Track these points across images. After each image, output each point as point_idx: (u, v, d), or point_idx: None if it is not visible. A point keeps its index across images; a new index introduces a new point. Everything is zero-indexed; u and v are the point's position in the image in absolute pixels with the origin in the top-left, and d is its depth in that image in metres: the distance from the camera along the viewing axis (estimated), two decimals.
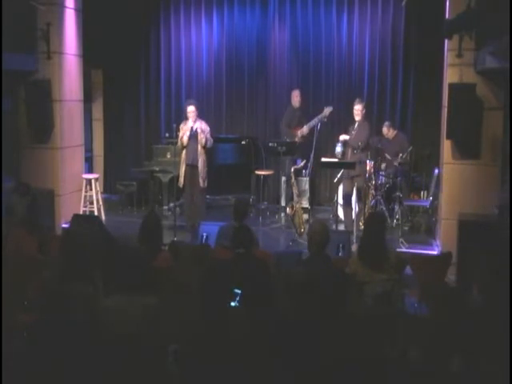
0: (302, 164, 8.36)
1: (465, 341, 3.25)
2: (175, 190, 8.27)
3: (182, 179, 7.87)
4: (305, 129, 9.04)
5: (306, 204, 8.92)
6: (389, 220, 8.28)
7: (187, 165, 7.84)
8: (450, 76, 7.03)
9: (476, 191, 6.97)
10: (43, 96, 8.01)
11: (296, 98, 9.19)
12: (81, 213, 8.61)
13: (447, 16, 7.02)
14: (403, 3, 8.69)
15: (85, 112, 9.46)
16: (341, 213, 8.41)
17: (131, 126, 10.55)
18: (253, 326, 3.33)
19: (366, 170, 8.00)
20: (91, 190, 8.93)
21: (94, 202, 8.91)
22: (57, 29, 8.11)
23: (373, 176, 8.19)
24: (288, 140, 8.93)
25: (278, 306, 3.79)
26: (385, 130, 8.87)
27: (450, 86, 6.86)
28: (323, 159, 8.69)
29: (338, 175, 8.51)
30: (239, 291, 3.75)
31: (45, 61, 8.11)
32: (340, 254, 6.21)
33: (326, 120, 8.91)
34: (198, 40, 10.14)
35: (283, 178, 9.01)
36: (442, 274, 5.26)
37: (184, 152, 7.84)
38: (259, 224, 8.46)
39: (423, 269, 5.23)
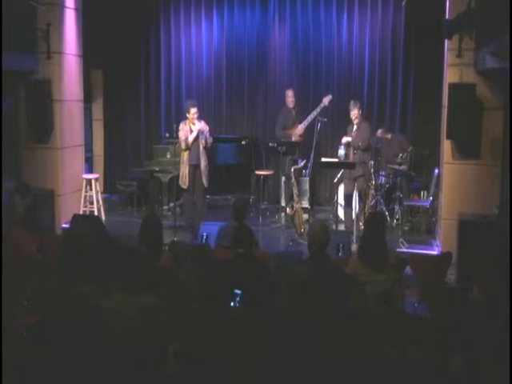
0: (302, 164, 8.36)
1: (465, 341, 3.25)
2: (175, 190, 8.27)
3: (185, 180, 7.84)
4: (302, 126, 9.03)
5: (306, 204, 8.92)
6: (389, 220, 8.29)
7: (190, 165, 7.83)
8: (450, 76, 7.03)
9: (476, 191, 6.98)
10: (43, 96, 8.01)
11: (289, 98, 9.18)
12: (81, 213, 8.61)
13: (447, 16, 7.02)
14: (403, 3, 8.70)
15: (85, 112, 9.47)
16: (341, 213, 8.41)
17: (131, 126, 10.55)
18: (253, 326, 3.33)
19: (367, 170, 7.99)
20: (91, 189, 8.93)
21: (94, 202, 8.91)
22: (57, 29, 8.12)
23: (373, 176, 8.19)
24: (287, 140, 8.95)
25: (278, 306, 3.79)
26: (379, 134, 8.87)
27: (450, 85, 6.86)
28: (323, 159, 8.70)
29: (338, 175, 8.52)
30: (239, 291, 3.74)
31: (45, 61, 8.11)
32: (340, 254, 6.22)
33: (326, 120, 8.90)
34: (198, 40, 10.14)
35: (283, 178, 9.01)
36: (442, 274, 5.26)
37: (187, 152, 7.83)
38: (259, 224, 8.46)
39: (423, 269, 5.23)
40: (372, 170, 8.12)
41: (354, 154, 7.91)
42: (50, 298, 3.53)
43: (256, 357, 3.07)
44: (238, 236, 4.54)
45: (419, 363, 3.13)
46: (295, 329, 3.16)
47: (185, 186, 7.89)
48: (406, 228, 8.31)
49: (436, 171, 8.16)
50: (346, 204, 8.24)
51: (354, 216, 8.03)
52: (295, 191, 8.08)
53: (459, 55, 6.94)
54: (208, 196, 9.19)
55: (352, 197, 8.11)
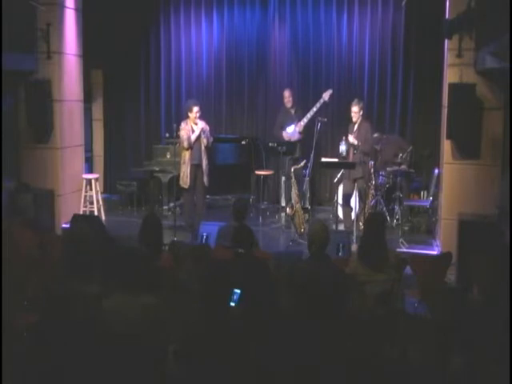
0: (302, 164, 8.36)
1: (465, 341, 3.25)
2: (175, 190, 8.27)
3: (187, 179, 7.81)
4: (301, 123, 9.02)
5: (306, 204, 8.92)
6: (389, 220, 8.29)
7: (192, 164, 7.83)
8: (450, 76, 7.03)
9: (476, 191, 6.98)
10: (43, 96, 8.01)
11: (286, 98, 9.17)
12: (81, 213, 8.61)
13: (447, 16, 7.02)
14: (403, 3, 8.70)
15: (85, 112, 9.47)
16: (341, 213, 8.41)
17: (131, 126, 10.54)
18: (253, 326, 3.33)
19: (367, 170, 7.98)
20: (91, 190, 8.93)
21: (94, 202, 8.91)
22: (57, 29, 8.12)
23: (373, 176, 8.19)
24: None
25: (278, 306, 3.79)
26: (376, 135, 8.86)
27: (450, 85, 6.86)
28: (323, 159, 8.70)
29: (338, 175, 8.51)
30: (239, 291, 3.75)
31: (45, 61, 8.11)
32: (340, 254, 6.22)
33: (326, 120, 8.89)
34: (198, 40, 10.14)
35: (283, 178, 9.00)
36: (441, 274, 5.26)
37: (189, 152, 7.82)
38: (259, 224, 8.46)
39: (423, 269, 5.23)
40: (372, 170, 8.12)
41: (354, 153, 7.90)
42: (50, 298, 3.53)
43: (256, 357, 3.07)
44: (238, 236, 4.54)
45: (419, 363, 3.13)
46: (295, 329, 3.16)
47: (186, 186, 7.87)
48: (406, 228, 8.30)
49: (436, 171, 8.16)
50: (345, 204, 8.23)
51: (353, 216, 8.02)
52: (295, 191, 8.08)
53: (459, 55, 6.94)
54: (208, 196, 9.19)
55: (352, 197, 8.10)
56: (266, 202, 9.68)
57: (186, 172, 7.83)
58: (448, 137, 7.00)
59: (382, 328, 3.43)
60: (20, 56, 7.75)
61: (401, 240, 7.55)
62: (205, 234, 6.68)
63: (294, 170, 8.20)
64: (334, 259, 4.79)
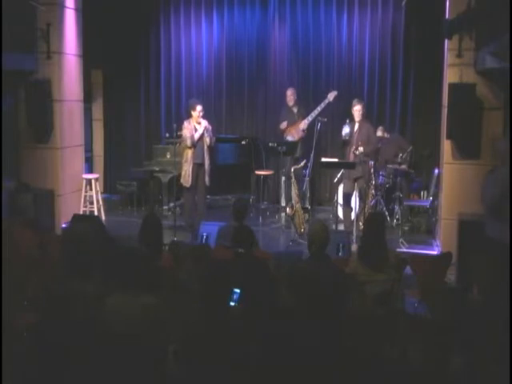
0: (302, 164, 8.36)
1: (465, 341, 3.25)
2: (175, 190, 8.27)
3: (188, 178, 7.81)
4: (306, 121, 9.03)
5: (306, 204, 8.92)
6: (389, 220, 8.29)
7: (195, 163, 7.82)
8: (450, 76, 7.03)
9: (476, 191, 6.93)
10: (43, 96, 8.01)
11: (288, 96, 9.19)
12: (81, 213, 8.61)
13: (447, 16, 7.02)
14: (403, 3, 8.70)
15: (85, 112, 9.47)
16: (341, 213, 8.41)
17: (131, 126, 10.55)
18: (252, 326, 3.33)
19: (367, 170, 7.98)
20: (91, 190, 8.93)
21: (94, 202, 8.91)
22: (57, 29, 8.11)
23: (373, 176, 8.19)
24: (289, 140, 8.96)
25: (278, 306, 3.79)
26: (379, 133, 8.88)
27: (450, 85, 6.86)
28: (323, 159, 8.70)
29: (338, 175, 8.51)
30: (239, 291, 3.75)
31: (45, 61, 8.11)
32: (340, 254, 6.22)
33: (325, 120, 8.90)
34: (198, 40, 10.15)
35: (283, 178, 9.01)
36: (441, 274, 5.26)
37: (191, 151, 7.81)
38: (259, 224, 8.46)
39: (423, 269, 5.23)
40: (372, 170, 8.11)
41: (354, 153, 7.90)
42: (49, 297, 3.53)
43: (256, 356, 3.07)
44: (238, 236, 4.54)
45: (419, 363, 3.13)
46: (295, 329, 3.16)
47: (187, 185, 7.86)
48: (406, 228, 8.30)
49: (436, 171, 8.16)
50: (345, 204, 8.23)
51: (353, 216, 8.02)
52: (295, 191, 8.08)
53: (459, 55, 6.94)
54: (208, 196, 9.19)
55: (352, 197, 8.10)
56: (266, 202, 9.68)
57: (187, 171, 7.82)
58: (448, 137, 7.00)
59: (381, 328, 3.43)
60: (20, 56, 7.75)
61: (401, 240, 7.55)
62: (205, 233, 6.67)
63: (294, 169, 8.20)
64: (334, 259, 4.79)
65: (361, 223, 7.67)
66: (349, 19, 9.58)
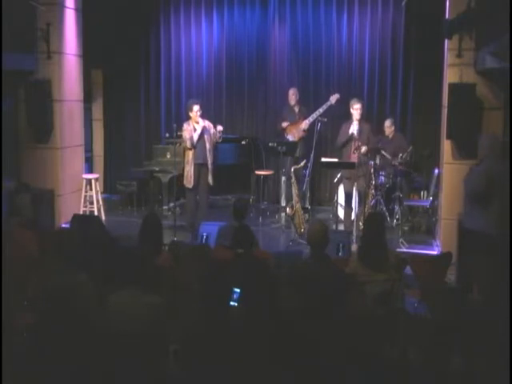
0: (302, 164, 8.36)
1: (465, 341, 3.25)
2: (175, 190, 8.27)
3: (190, 179, 7.79)
4: (307, 121, 9.03)
5: (306, 204, 8.92)
6: (389, 220, 8.29)
7: (196, 164, 7.82)
8: (450, 76, 7.03)
9: None
10: (43, 96, 8.01)
11: (290, 95, 9.19)
12: (81, 213, 8.61)
13: (447, 16, 7.02)
14: (403, 3, 8.70)
15: (85, 112, 9.47)
16: (341, 213, 8.41)
17: (131, 126, 10.55)
18: (252, 326, 3.33)
19: (367, 170, 7.97)
20: (91, 190, 8.93)
21: (94, 202, 8.91)
22: (57, 29, 8.12)
23: (373, 176, 8.19)
24: (290, 139, 8.96)
25: (278, 306, 3.79)
26: (388, 123, 8.83)
27: (450, 85, 6.86)
28: (323, 159, 8.69)
29: (338, 175, 8.51)
30: (239, 290, 3.75)
31: (45, 61, 8.12)
32: (340, 254, 6.22)
33: (326, 120, 8.89)
34: (198, 40, 10.14)
35: (283, 178, 9.00)
36: (441, 274, 5.26)
37: (192, 151, 7.81)
38: (259, 224, 8.46)
39: (423, 269, 5.23)
40: (372, 170, 8.11)
41: (353, 153, 7.89)
42: (49, 297, 3.52)
43: (256, 356, 3.07)
44: (238, 236, 4.54)
45: (419, 363, 3.13)
46: (295, 329, 3.17)
47: (190, 186, 7.85)
48: (406, 228, 8.30)
49: (436, 171, 8.16)
50: (345, 204, 8.23)
51: (353, 216, 8.02)
52: (295, 191, 8.07)
53: (459, 55, 6.94)
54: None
55: (352, 197, 8.10)
56: (265, 202, 9.68)
57: (189, 172, 7.81)
58: (448, 137, 7.00)
59: (382, 328, 3.43)
60: (20, 56, 7.76)
61: (401, 240, 7.55)
62: (205, 233, 6.67)
63: (294, 169, 8.20)
64: (333, 259, 4.78)
65: (361, 223, 7.66)
66: (349, 19, 9.58)
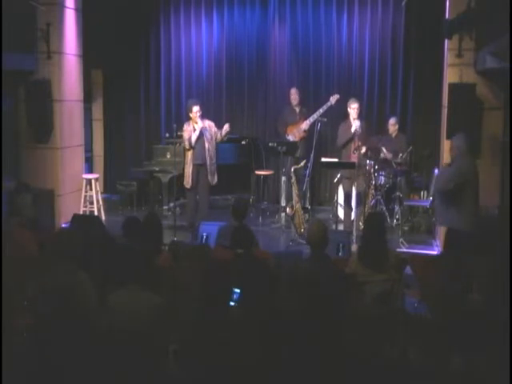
0: (302, 164, 8.36)
1: (465, 341, 3.25)
2: (175, 190, 8.27)
3: (189, 179, 7.83)
4: (307, 122, 9.02)
5: (306, 204, 8.91)
6: (389, 220, 8.28)
7: (195, 164, 7.83)
8: (450, 76, 7.03)
9: None
10: (43, 96, 8.01)
11: (292, 95, 9.20)
12: (81, 213, 8.61)
13: (447, 16, 7.02)
14: (403, 3, 8.70)
15: (85, 112, 9.47)
16: (341, 213, 8.41)
17: (131, 126, 10.54)
18: (252, 326, 3.33)
19: (367, 170, 7.97)
20: (91, 190, 8.93)
21: (94, 202, 8.91)
22: (57, 29, 8.12)
23: (373, 176, 8.18)
24: (290, 139, 8.96)
25: (278, 306, 3.79)
26: (392, 122, 8.80)
27: (450, 85, 6.87)
28: (323, 159, 8.69)
29: (338, 175, 8.51)
30: (238, 291, 3.75)
31: (45, 61, 8.12)
32: (340, 254, 6.21)
33: (325, 120, 8.88)
34: (198, 40, 10.14)
35: (283, 178, 8.99)
36: (442, 274, 5.25)
37: (191, 152, 7.83)
38: (259, 224, 8.46)
39: (423, 269, 5.23)
40: (372, 170, 8.11)
41: (353, 153, 7.89)
42: (49, 297, 3.53)
43: (256, 356, 3.07)
44: (238, 236, 4.54)
45: (419, 363, 3.13)
46: (295, 329, 3.17)
47: (188, 186, 7.89)
48: (406, 228, 8.30)
49: (436, 171, 8.15)
50: (345, 204, 8.23)
51: (353, 216, 8.02)
52: (295, 191, 8.07)
53: (459, 55, 6.94)
54: None
55: (351, 197, 8.10)
56: (265, 202, 9.68)
57: (188, 172, 7.86)
58: (448, 137, 6.99)
59: (382, 328, 3.43)
60: (20, 56, 7.75)
61: (401, 240, 7.55)
62: (205, 234, 6.67)
63: (295, 169, 8.19)
64: (333, 259, 4.79)
65: (361, 223, 7.67)
66: (349, 19, 9.57)
